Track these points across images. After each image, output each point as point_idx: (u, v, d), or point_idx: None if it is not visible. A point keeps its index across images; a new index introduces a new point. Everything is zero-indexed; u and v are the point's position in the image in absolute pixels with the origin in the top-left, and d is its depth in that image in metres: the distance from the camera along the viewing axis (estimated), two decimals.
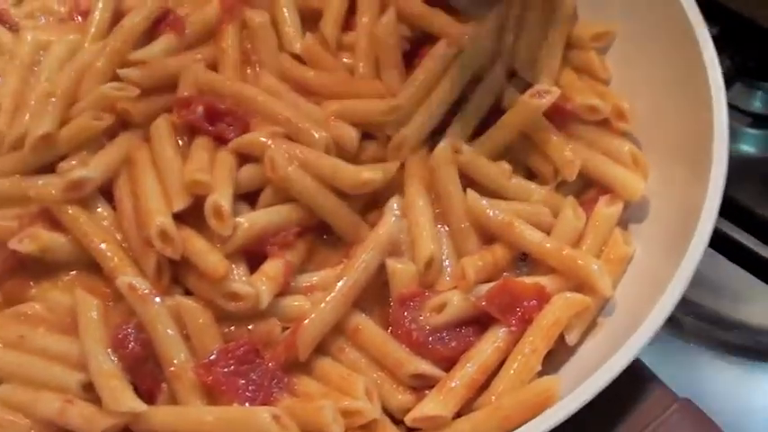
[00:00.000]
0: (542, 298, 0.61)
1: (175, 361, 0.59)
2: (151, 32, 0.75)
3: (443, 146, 0.66)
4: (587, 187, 0.69)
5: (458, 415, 0.58)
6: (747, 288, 0.77)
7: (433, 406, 0.57)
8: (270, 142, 0.65)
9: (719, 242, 0.76)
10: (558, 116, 0.69)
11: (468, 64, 0.70)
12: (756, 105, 0.88)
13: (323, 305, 0.60)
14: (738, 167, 0.85)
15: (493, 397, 0.58)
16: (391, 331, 0.61)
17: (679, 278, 0.57)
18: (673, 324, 0.75)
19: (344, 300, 0.61)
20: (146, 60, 0.71)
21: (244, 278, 0.61)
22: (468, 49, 0.70)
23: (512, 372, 0.59)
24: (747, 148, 0.88)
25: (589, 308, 0.61)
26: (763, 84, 0.88)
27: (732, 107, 0.86)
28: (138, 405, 0.57)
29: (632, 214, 0.67)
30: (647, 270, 0.63)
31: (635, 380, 0.57)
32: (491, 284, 0.61)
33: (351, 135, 0.67)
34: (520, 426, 0.54)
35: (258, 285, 0.60)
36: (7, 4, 0.82)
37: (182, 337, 0.60)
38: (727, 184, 0.83)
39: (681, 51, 0.68)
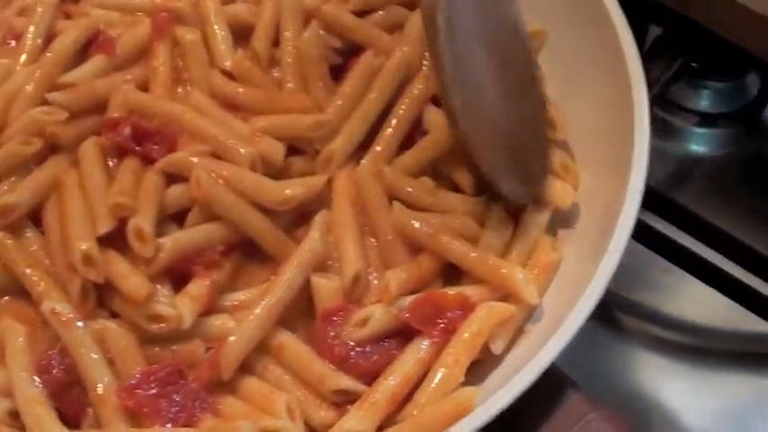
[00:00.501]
0: (466, 308, 0.61)
1: (99, 385, 0.59)
2: (82, 55, 0.75)
3: (368, 161, 0.67)
4: None
5: (381, 428, 0.59)
6: (690, 289, 0.77)
7: (354, 422, 0.58)
8: (196, 161, 0.66)
9: (661, 243, 0.77)
10: None
11: (395, 75, 0.70)
12: (703, 104, 0.89)
13: (246, 324, 0.61)
14: (688, 167, 0.87)
15: (415, 411, 0.58)
16: (315, 347, 0.62)
17: (596, 283, 0.58)
18: (614, 325, 0.76)
19: (268, 317, 0.61)
20: (75, 83, 0.72)
21: (167, 299, 0.62)
22: (393, 60, 0.71)
23: (434, 384, 0.59)
24: (696, 147, 0.89)
25: (514, 316, 0.62)
26: (709, 83, 0.89)
27: (679, 107, 0.88)
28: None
29: (561, 220, 0.68)
30: (573, 275, 0.64)
31: (553, 387, 0.58)
32: (414, 296, 0.62)
33: (276, 150, 0.68)
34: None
35: (180, 306, 0.61)
36: None
37: (105, 361, 0.60)
38: (677, 183, 0.85)
39: (606, 56, 0.69)
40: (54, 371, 0.60)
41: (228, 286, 0.65)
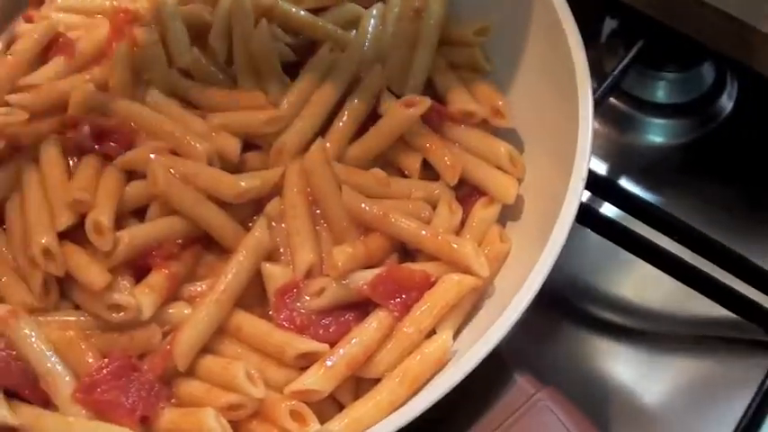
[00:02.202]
0: (426, 284, 0.66)
1: (58, 387, 0.63)
2: (43, 58, 0.79)
3: (316, 147, 0.71)
4: (465, 183, 0.73)
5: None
6: (647, 277, 0.81)
7: (312, 381, 0.61)
8: (153, 157, 0.69)
9: (614, 231, 0.81)
10: (436, 119, 0.73)
11: (348, 69, 0.74)
12: (659, 95, 0.93)
13: (196, 315, 0.64)
14: (645, 156, 0.91)
15: (376, 371, 0.63)
16: (274, 322, 0.65)
17: (539, 268, 0.62)
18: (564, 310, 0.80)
19: (219, 307, 0.65)
20: (35, 85, 0.75)
21: (127, 291, 0.65)
22: (347, 54, 0.75)
23: (397, 350, 0.63)
24: (652, 137, 0.92)
25: (471, 295, 0.66)
26: (664, 73, 0.93)
27: (632, 97, 0.92)
28: (1, 412, 0.61)
29: (508, 209, 0.72)
30: (519, 263, 0.67)
31: (499, 370, 0.61)
32: (374, 271, 0.66)
33: (232, 145, 0.71)
34: (427, 383, 0.61)
35: (140, 296, 0.65)
36: None
37: (57, 357, 0.64)
38: (633, 173, 0.89)
39: (551, 47, 0.73)
40: (12, 371, 0.63)
41: (189, 277, 0.69)
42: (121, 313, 0.64)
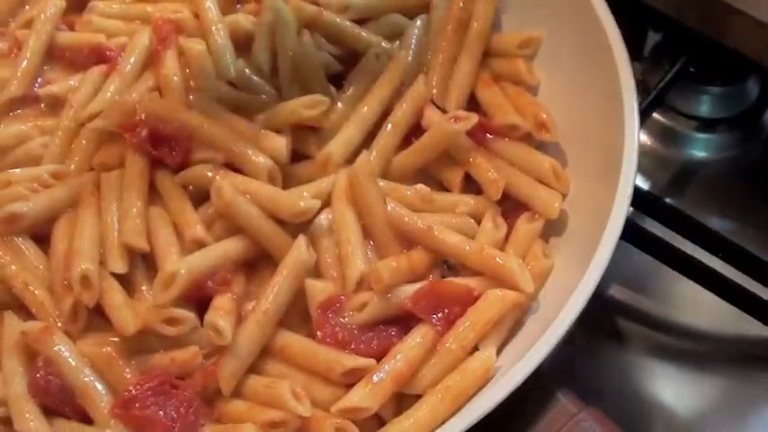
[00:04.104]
0: (469, 299, 0.66)
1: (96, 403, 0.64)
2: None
3: (361, 159, 0.71)
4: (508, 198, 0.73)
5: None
6: (686, 292, 0.80)
7: (359, 398, 0.61)
8: (214, 174, 0.70)
9: (659, 248, 0.80)
10: (480, 132, 0.73)
11: (391, 79, 0.75)
12: (703, 110, 0.92)
13: (238, 338, 0.64)
14: (689, 171, 0.90)
15: (420, 387, 0.63)
16: (317, 339, 0.65)
17: (584, 287, 0.62)
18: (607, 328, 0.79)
19: (261, 328, 0.65)
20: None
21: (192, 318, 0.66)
22: (392, 65, 0.75)
23: (441, 365, 0.64)
24: (697, 153, 0.92)
25: (514, 311, 0.66)
26: (708, 88, 0.92)
27: (679, 112, 0.91)
28: (41, 430, 0.62)
29: (552, 225, 0.72)
30: (563, 279, 0.67)
31: (543, 389, 0.61)
32: (416, 285, 0.66)
33: (280, 145, 0.72)
34: (469, 400, 0.61)
35: (219, 321, 0.64)
36: None
37: (95, 376, 0.64)
38: (677, 188, 0.88)
39: (599, 65, 0.73)
40: (50, 388, 0.64)
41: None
42: (179, 327, 0.65)
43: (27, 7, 0.88)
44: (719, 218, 0.85)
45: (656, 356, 0.78)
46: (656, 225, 0.82)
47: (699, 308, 0.80)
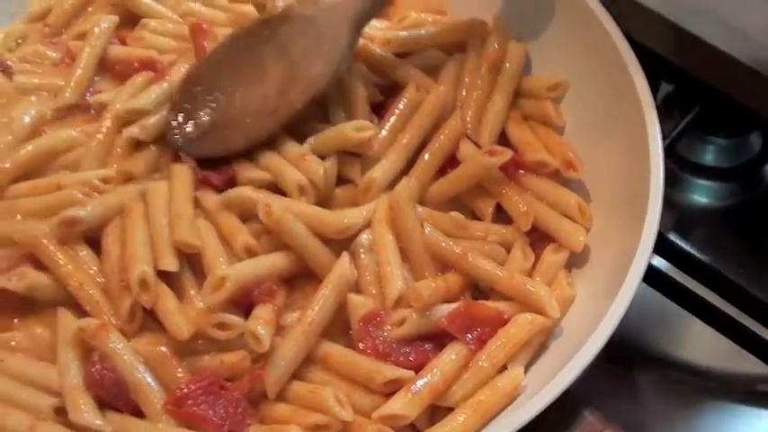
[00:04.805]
0: (499, 321, 0.71)
1: (149, 399, 0.68)
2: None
3: (401, 186, 0.76)
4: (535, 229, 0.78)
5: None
6: (694, 331, 0.85)
7: (400, 406, 0.66)
8: (257, 195, 0.75)
9: (665, 286, 0.86)
10: (512, 167, 0.79)
11: (432, 111, 0.80)
12: (708, 158, 0.98)
13: (285, 345, 0.69)
14: (691, 216, 0.96)
15: (452, 401, 0.68)
16: (358, 350, 0.70)
17: (607, 321, 0.67)
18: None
19: (306, 337, 0.69)
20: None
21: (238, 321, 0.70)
22: (431, 97, 0.80)
23: (473, 381, 0.69)
24: (699, 198, 0.97)
25: (539, 336, 0.71)
26: (713, 138, 0.98)
27: (684, 160, 0.97)
28: (95, 420, 0.66)
29: (575, 258, 0.77)
30: (585, 310, 0.72)
31: (567, 405, 0.66)
32: (452, 306, 0.71)
33: (318, 171, 0.76)
34: (497, 414, 0.65)
35: (258, 329, 0.68)
36: (2, 48, 0.92)
37: (149, 373, 0.68)
38: (679, 231, 0.94)
39: (624, 108, 0.78)
40: (105, 382, 0.68)
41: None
42: (229, 332, 0.69)
43: (81, 20, 0.92)
44: (717, 258, 0.91)
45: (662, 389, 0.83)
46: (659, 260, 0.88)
47: (701, 343, 0.85)
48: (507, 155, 0.77)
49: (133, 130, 0.79)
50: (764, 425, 0.80)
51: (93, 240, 0.76)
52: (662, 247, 0.88)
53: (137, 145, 0.80)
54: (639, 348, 0.85)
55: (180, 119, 0.81)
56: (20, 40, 0.93)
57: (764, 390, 0.82)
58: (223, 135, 0.80)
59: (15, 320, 0.74)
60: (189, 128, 0.81)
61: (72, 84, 0.85)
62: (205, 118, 0.81)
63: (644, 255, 0.69)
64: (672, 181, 0.97)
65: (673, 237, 0.90)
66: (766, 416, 0.81)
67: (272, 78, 0.81)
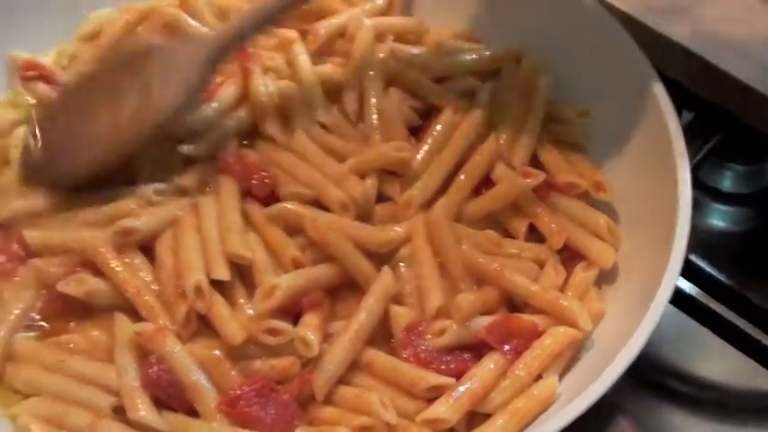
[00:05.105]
0: (534, 333, 0.75)
1: (204, 399, 0.72)
2: None
3: (440, 205, 0.81)
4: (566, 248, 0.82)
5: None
6: (716, 349, 0.89)
7: (444, 409, 0.70)
8: (304, 210, 0.79)
9: (685, 304, 0.90)
10: (544, 188, 0.83)
11: (468, 134, 0.84)
12: (725, 184, 1.02)
13: (332, 351, 0.73)
14: (708, 239, 1.00)
15: (491, 407, 0.72)
16: (401, 357, 0.74)
17: (639, 334, 0.71)
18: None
19: (352, 344, 0.74)
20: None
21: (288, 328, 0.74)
22: (468, 120, 0.85)
23: (510, 389, 0.73)
24: (716, 222, 1.01)
25: (571, 348, 0.75)
26: (731, 165, 1.02)
27: (704, 185, 1.02)
28: (153, 418, 0.70)
29: (605, 274, 0.81)
30: (615, 325, 0.77)
31: (600, 412, 0.70)
32: (490, 318, 0.75)
33: (359, 188, 0.81)
34: (533, 421, 0.70)
35: (309, 335, 0.73)
36: (55, 67, 0.96)
37: (204, 375, 0.72)
38: (697, 253, 0.98)
39: (653, 134, 0.83)
40: (161, 383, 0.72)
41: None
42: (279, 337, 0.73)
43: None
44: (736, 279, 0.95)
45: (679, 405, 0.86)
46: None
47: (720, 360, 0.89)
48: (541, 176, 0.81)
49: (187, 148, 0.84)
50: None
51: (146, 250, 0.80)
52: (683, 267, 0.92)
53: (187, 161, 0.85)
54: (661, 363, 0.89)
55: (33, 144, 0.84)
56: (71, 59, 0.97)
57: None
58: (68, 161, 0.83)
59: (72, 324, 0.79)
60: (39, 153, 0.84)
61: None
62: (55, 145, 0.84)
63: (672, 275, 0.74)
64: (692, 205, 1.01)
65: (693, 258, 0.94)
66: None
67: (127, 107, 0.83)
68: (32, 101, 0.92)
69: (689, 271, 0.92)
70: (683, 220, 0.76)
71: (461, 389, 0.71)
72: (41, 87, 0.92)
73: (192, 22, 0.94)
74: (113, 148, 0.83)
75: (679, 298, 0.90)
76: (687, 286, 0.91)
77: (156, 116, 0.82)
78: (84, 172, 0.83)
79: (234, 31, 0.84)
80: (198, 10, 0.95)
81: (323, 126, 0.87)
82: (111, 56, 0.88)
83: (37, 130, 0.85)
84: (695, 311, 0.90)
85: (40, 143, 0.84)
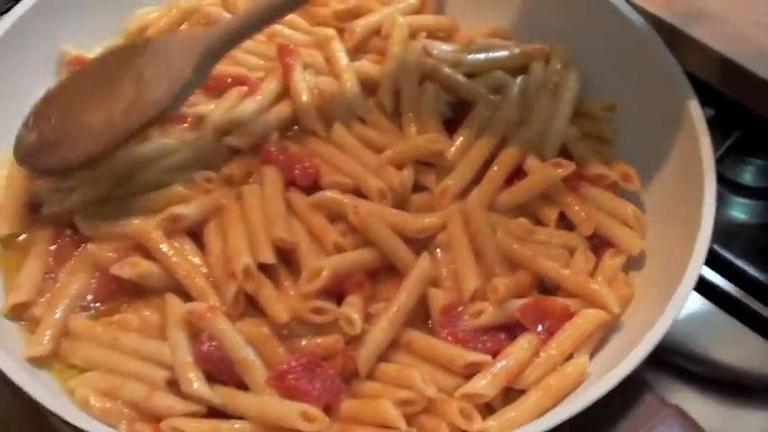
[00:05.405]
0: (566, 314, 0.79)
1: (254, 373, 0.76)
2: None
3: (475, 193, 0.85)
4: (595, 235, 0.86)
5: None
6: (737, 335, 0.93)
7: (482, 384, 0.74)
8: (345, 198, 0.83)
9: (708, 291, 0.94)
10: (574, 179, 0.87)
11: (499, 127, 0.88)
12: (746, 178, 1.05)
13: (376, 328, 0.77)
14: (729, 230, 1.04)
15: (525, 384, 0.76)
16: (440, 336, 0.78)
17: (665, 318, 0.75)
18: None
19: (393, 322, 0.78)
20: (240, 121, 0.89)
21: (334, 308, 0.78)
22: (498, 114, 0.89)
23: (544, 366, 0.77)
24: (737, 215, 1.05)
25: (600, 329, 0.79)
26: (752, 159, 1.06)
27: (725, 179, 1.05)
28: (205, 391, 0.74)
29: (633, 261, 0.85)
30: (642, 309, 0.81)
31: (628, 388, 0.74)
32: (524, 300, 0.79)
33: (396, 178, 0.85)
34: (565, 397, 0.74)
35: (352, 314, 0.77)
36: None
37: (252, 351, 0.76)
38: (720, 244, 1.02)
39: (678, 128, 0.87)
40: (213, 358, 0.76)
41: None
42: (325, 316, 0.77)
43: None
44: (758, 267, 0.98)
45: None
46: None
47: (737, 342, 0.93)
48: (571, 167, 0.85)
49: (232, 139, 0.88)
50: None
51: (194, 236, 0.85)
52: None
53: (233, 152, 0.89)
54: (685, 347, 0.93)
55: (28, 133, 0.87)
56: None
57: None
58: (62, 150, 0.85)
59: (124, 305, 0.83)
60: (33, 141, 0.86)
61: None
62: (50, 133, 0.86)
63: (697, 263, 0.78)
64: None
65: (716, 247, 0.98)
66: None
67: (122, 100, 0.85)
68: None
69: (712, 260, 0.95)
70: (708, 211, 0.80)
71: (498, 366, 0.75)
72: None
73: None
74: (106, 142, 0.84)
75: (703, 285, 0.93)
76: (710, 274, 0.95)
77: (150, 110, 0.84)
78: (77, 163, 0.85)
79: (231, 28, 0.87)
80: (240, 9, 0.99)
81: (360, 119, 0.91)
82: (108, 51, 0.91)
83: (31, 120, 0.87)
84: (718, 299, 0.94)
85: (33, 133, 0.87)
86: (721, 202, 1.04)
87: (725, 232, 1.03)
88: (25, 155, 0.86)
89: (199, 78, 0.86)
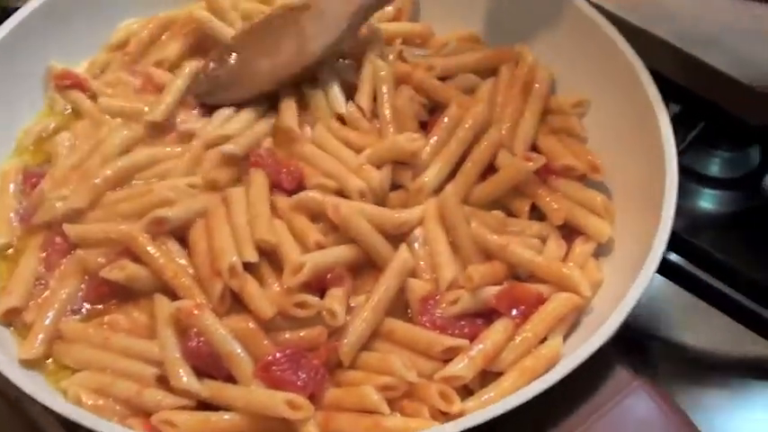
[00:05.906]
0: (539, 300, 0.82)
1: (240, 366, 0.79)
2: None
3: (449, 189, 0.88)
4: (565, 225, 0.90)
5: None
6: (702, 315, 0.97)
7: (458, 369, 0.77)
8: (325, 198, 0.86)
9: (679, 276, 0.97)
10: (543, 172, 0.91)
11: (471, 126, 0.92)
12: (713, 169, 1.09)
13: (356, 320, 0.81)
14: (697, 220, 1.08)
15: (503, 366, 0.79)
16: (418, 324, 0.82)
17: (631, 296, 0.79)
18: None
19: (374, 314, 0.81)
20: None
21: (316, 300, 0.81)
22: (471, 114, 0.92)
23: (519, 349, 0.80)
24: (705, 205, 1.08)
25: (574, 312, 0.82)
26: (718, 152, 1.10)
27: (691, 171, 1.09)
28: (195, 385, 0.77)
29: (602, 247, 0.89)
30: (611, 292, 0.84)
31: (600, 365, 0.77)
32: (499, 287, 0.82)
33: (375, 178, 0.88)
34: (539, 377, 0.76)
35: (336, 306, 0.80)
36: (88, 75, 1.03)
37: (239, 345, 0.79)
38: (689, 232, 1.05)
39: (642, 120, 0.91)
40: (201, 354, 0.79)
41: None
42: (308, 310, 0.80)
43: (156, 47, 1.04)
44: (724, 252, 1.02)
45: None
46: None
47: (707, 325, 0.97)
48: (542, 160, 0.89)
49: (229, 147, 0.90)
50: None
51: (179, 239, 0.88)
52: (674, 243, 0.99)
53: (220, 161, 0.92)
54: (654, 329, 0.96)
55: (206, 78, 1.00)
56: (103, 68, 1.04)
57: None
58: (231, 90, 0.98)
59: (113, 307, 0.86)
60: (211, 82, 0.99)
61: (163, 106, 0.96)
62: (224, 77, 0.99)
63: (660, 244, 0.81)
64: (680, 190, 1.07)
65: (684, 235, 1.01)
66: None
67: (284, 52, 0.97)
68: (69, 108, 1.01)
69: (680, 246, 0.99)
70: (669, 198, 0.84)
71: (475, 349, 0.78)
72: (76, 94, 1.00)
73: (221, 25, 1.02)
74: (267, 85, 0.97)
75: (671, 270, 0.97)
76: (678, 259, 0.98)
77: (305, 61, 0.96)
78: (240, 101, 0.97)
79: None
80: (226, 14, 1.03)
81: (340, 120, 0.94)
82: (273, 11, 1.01)
83: (210, 66, 1.00)
84: (687, 282, 0.97)
85: (210, 76, 1.00)
86: (689, 193, 1.08)
87: (694, 222, 1.06)
88: (204, 93, 0.99)
89: (352, 30, 0.96)
